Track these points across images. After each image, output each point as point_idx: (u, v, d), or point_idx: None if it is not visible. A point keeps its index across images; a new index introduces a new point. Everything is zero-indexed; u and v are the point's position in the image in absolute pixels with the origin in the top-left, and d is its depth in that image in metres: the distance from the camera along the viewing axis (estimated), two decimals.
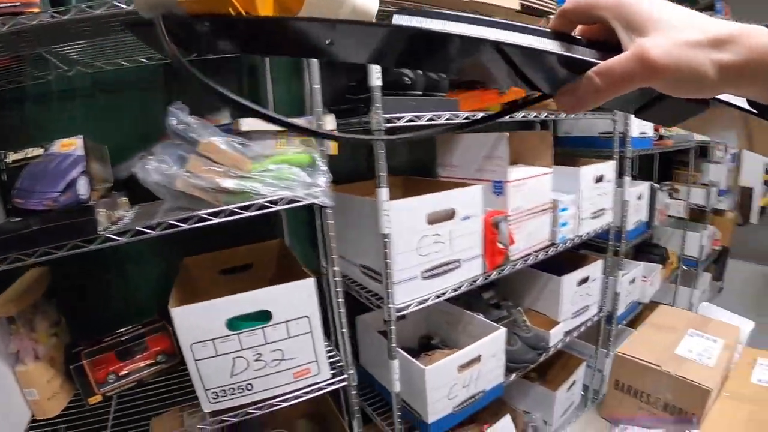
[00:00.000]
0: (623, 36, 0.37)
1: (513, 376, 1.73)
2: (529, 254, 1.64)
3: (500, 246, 1.49)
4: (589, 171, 1.83)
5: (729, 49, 0.34)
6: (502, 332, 1.53)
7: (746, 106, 0.39)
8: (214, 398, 1.12)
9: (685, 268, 3.36)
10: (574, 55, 0.38)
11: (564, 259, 2.03)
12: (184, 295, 1.10)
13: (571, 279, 1.88)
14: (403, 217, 1.28)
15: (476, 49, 0.38)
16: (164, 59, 1.25)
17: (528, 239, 1.63)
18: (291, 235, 1.61)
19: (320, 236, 1.54)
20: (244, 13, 0.38)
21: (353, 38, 0.39)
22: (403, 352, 1.43)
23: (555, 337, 1.85)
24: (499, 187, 1.52)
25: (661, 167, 3.61)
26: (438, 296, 1.40)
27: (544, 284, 1.92)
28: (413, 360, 1.40)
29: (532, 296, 2.00)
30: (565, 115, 1.73)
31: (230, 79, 1.51)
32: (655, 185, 2.49)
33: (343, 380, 1.28)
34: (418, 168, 1.89)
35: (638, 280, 2.47)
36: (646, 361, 1.14)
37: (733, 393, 1.14)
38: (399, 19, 0.39)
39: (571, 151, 2.31)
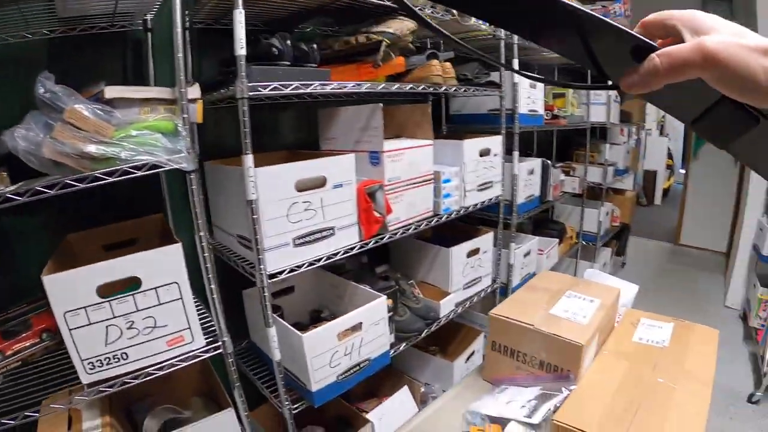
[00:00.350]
0: (688, 38, 0.41)
1: (403, 345, 1.77)
2: (411, 224, 1.68)
3: (376, 215, 1.52)
4: (473, 144, 1.89)
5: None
6: (382, 300, 1.56)
7: None
8: (90, 369, 1.11)
9: (584, 243, 3.53)
10: (644, 38, 0.42)
11: (459, 232, 2.12)
12: (61, 267, 1.07)
13: (459, 251, 1.95)
14: (270, 183, 1.29)
15: (570, 21, 0.42)
16: (47, 35, 1.27)
17: (409, 209, 1.67)
18: (175, 209, 1.59)
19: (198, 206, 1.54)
20: None
21: None
22: (280, 320, 1.44)
23: (445, 307, 1.91)
24: (375, 158, 1.55)
25: (563, 147, 3.79)
26: (311, 263, 1.41)
27: (435, 256, 1.98)
28: (291, 328, 1.41)
29: (425, 269, 2.05)
30: (453, 89, 1.77)
31: (116, 52, 1.49)
32: (547, 161, 2.61)
33: (217, 347, 1.29)
34: (308, 143, 1.90)
35: (533, 253, 2.58)
36: (520, 321, 1.17)
37: (613, 350, 1.21)
38: None
39: (463, 128, 2.39)
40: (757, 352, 2.98)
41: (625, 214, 4.18)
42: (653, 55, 0.41)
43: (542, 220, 3.27)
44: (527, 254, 2.51)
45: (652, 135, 7.78)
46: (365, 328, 1.52)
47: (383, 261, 2.20)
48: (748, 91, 0.39)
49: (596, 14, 0.41)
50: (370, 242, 1.54)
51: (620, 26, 0.42)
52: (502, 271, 2.35)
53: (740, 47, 0.38)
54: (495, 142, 2.04)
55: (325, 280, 1.82)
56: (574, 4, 0.41)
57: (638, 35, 0.42)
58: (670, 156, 7.74)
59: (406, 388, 1.99)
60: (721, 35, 0.39)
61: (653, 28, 0.45)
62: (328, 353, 1.43)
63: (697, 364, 1.15)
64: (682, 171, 5.51)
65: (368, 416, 1.81)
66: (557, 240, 2.96)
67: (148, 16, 1.42)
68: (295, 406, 1.47)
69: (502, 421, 1.02)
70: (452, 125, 2.52)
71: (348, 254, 1.49)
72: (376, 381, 2.19)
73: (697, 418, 0.98)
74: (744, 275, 3.67)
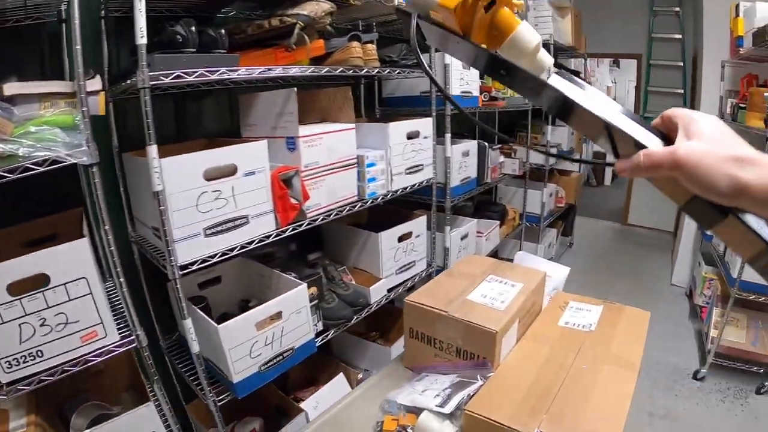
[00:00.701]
0: (679, 136, 0.50)
1: (331, 332, 1.77)
2: (332, 210, 1.68)
3: (293, 202, 1.51)
4: (399, 127, 1.89)
5: (748, 168, 0.44)
6: (302, 289, 1.56)
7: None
8: (8, 368, 1.10)
9: (527, 224, 3.59)
10: (638, 140, 0.53)
11: (396, 216, 2.13)
12: None
13: (389, 236, 1.96)
14: (176, 173, 1.27)
15: (589, 119, 0.57)
16: None
17: (330, 195, 1.66)
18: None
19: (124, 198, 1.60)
20: (461, 34, 0.62)
21: (519, 77, 0.61)
22: (198, 311, 1.44)
23: (376, 293, 1.92)
24: (292, 143, 1.54)
25: (509, 129, 3.83)
26: (225, 254, 1.40)
27: (365, 242, 1.99)
28: (207, 318, 1.40)
29: (356, 255, 2.06)
30: (376, 71, 1.77)
31: (34, 45, 1.45)
32: (484, 143, 2.62)
33: (132, 342, 1.28)
34: (231, 131, 1.87)
35: (472, 235, 2.61)
36: (435, 308, 1.16)
37: (536, 336, 1.21)
38: (552, 80, 0.60)
39: (396, 110, 2.39)
40: (701, 329, 3.10)
41: (570, 195, 4.27)
42: (639, 152, 0.51)
43: (484, 203, 3.31)
44: (465, 237, 2.54)
45: None
46: (286, 317, 1.51)
47: (318, 247, 2.19)
48: (710, 194, 0.47)
49: (616, 123, 0.55)
50: (287, 229, 1.53)
51: (626, 131, 0.54)
52: (438, 254, 2.38)
53: (710, 155, 0.46)
54: (424, 125, 2.04)
55: (252, 269, 1.81)
56: (606, 118, 0.55)
57: (636, 137, 0.54)
58: None
59: (341, 375, 2.00)
60: (699, 142, 0.48)
61: (668, 121, 0.54)
62: (248, 343, 1.42)
63: (624, 347, 1.16)
64: None
65: (304, 404, 1.84)
66: (498, 222, 2.98)
67: (63, 7, 1.37)
68: (220, 398, 1.47)
69: (417, 411, 1.02)
70: (386, 108, 2.51)
71: (264, 243, 1.48)
72: (316, 369, 2.21)
73: (620, 402, 0.98)
74: (690, 254, 3.81)
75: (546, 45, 3.20)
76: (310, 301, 1.66)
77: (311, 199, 1.58)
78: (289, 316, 1.53)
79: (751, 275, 2.50)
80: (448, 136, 2.23)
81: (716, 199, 0.47)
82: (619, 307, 1.35)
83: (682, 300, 3.71)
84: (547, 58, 0.60)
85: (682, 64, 4.87)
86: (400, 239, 2.02)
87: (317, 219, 1.62)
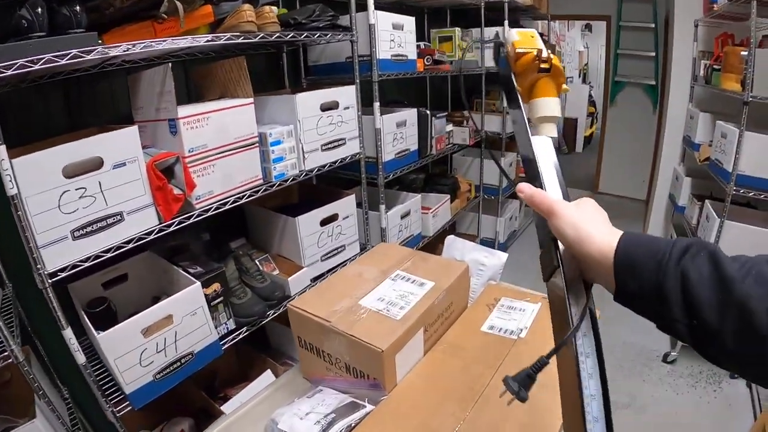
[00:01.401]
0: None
1: (244, 332, 1.66)
2: (230, 197, 1.54)
3: (176, 192, 1.36)
4: (310, 98, 1.74)
5: (577, 246, 0.58)
6: (196, 288, 1.44)
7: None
8: None
9: (485, 196, 3.46)
10: (544, 182, 0.68)
11: (328, 197, 1.98)
12: None
13: (309, 219, 1.83)
14: (31, 173, 1.13)
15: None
16: None
17: (227, 180, 1.53)
18: None
19: None
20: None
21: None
22: (85, 318, 1.37)
23: (297, 284, 1.80)
24: (173, 126, 1.39)
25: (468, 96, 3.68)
26: (99, 256, 1.26)
27: (284, 227, 1.84)
28: (89, 326, 1.32)
29: (278, 241, 1.92)
30: (275, 36, 1.60)
31: None
32: (425, 111, 2.46)
33: (7, 357, 1.19)
34: (128, 116, 1.68)
35: (416, 212, 2.47)
36: (317, 317, 1.01)
37: (452, 345, 1.05)
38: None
39: (323, 79, 2.23)
40: None
41: None
42: (538, 189, 0.65)
43: (435, 176, 3.15)
44: (406, 215, 2.40)
45: (573, 82, 7.77)
46: (178, 320, 1.41)
47: (244, 233, 2.05)
48: (562, 241, 0.60)
49: (542, 167, 0.69)
50: (172, 223, 1.40)
51: (542, 172, 0.69)
52: (374, 235, 2.25)
53: (573, 216, 0.59)
54: (344, 94, 1.89)
55: (158, 264, 1.66)
56: (539, 163, 0.70)
57: (544, 180, 0.68)
58: (592, 104, 7.77)
59: (268, 371, 1.90)
60: (574, 207, 0.61)
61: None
62: (135, 352, 1.32)
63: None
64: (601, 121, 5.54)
65: (229, 403, 1.78)
66: (448, 196, 2.84)
67: None
68: (119, 408, 1.37)
69: None
70: (313, 78, 2.34)
71: (145, 240, 1.35)
72: (247, 363, 2.12)
73: None
74: (661, 225, 3.75)
75: (500, 3, 3.04)
76: (212, 299, 1.55)
77: (200, 187, 1.44)
78: (182, 319, 1.42)
79: (728, 252, 2.37)
80: (377, 105, 2.08)
81: (564, 244, 0.60)
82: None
83: None
84: (549, 132, 0.75)
85: (653, 25, 4.71)
86: (324, 222, 1.90)
87: (210, 209, 1.48)
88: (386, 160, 2.20)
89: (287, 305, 1.07)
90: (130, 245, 1.32)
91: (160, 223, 1.37)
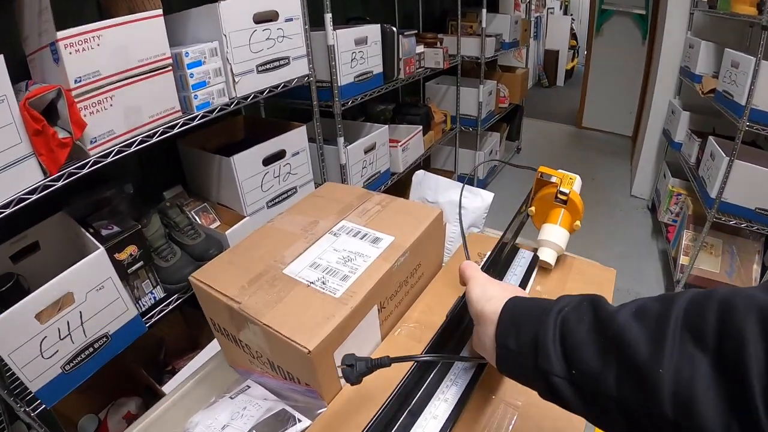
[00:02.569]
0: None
1: (173, 300, 1.37)
2: (137, 137, 1.21)
3: (62, 136, 1.04)
4: (238, 6, 1.37)
5: (477, 305, 0.57)
6: (98, 256, 1.14)
7: None
8: None
9: (463, 128, 3.12)
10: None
11: (277, 133, 1.64)
12: None
13: (248, 158, 1.52)
14: None
15: None
16: None
17: (132, 116, 1.20)
18: None
19: None
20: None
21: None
22: None
23: (237, 237, 1.50)
24: (55, 51, 1.05)
25: (440, 18, 3.27)
26: None
27: (220, 170, 1.51)
28: None
29: (216, 187, 1.62)
30: None
31: None
32: (390, 28, 2.09)
33: None
34: None
35: (382, 146, 2.14)
36: (223, 294, 0.70)
37: (420, 325, 0.78)
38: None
39: None
40: (667, 251, 2.77)
41: (515, 94, 3.77)
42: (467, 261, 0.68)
43: (406, 105, 2.79)
44: (371, 149, 2.07)
45: (555, 13, 7.32)
46: (81, 297, 1.11)
47: (173, 182, 1.71)
48: (468, 299, 0.60)
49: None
50: (62, 176, 1.07)
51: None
52: (333, 175, 1.92)
53: (488, 279, 0.61)
54: (285, 2, 1.52)
55: (71, 228, 1.35)
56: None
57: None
58: (574, 37, 7.36)
59: (214, 341, 1.57)
60: (486, 278, 0.62)
61: None
62: (33, 342, 1.05)
63: None
64: (586, 53, 5.16)
65: (175, 378, 1.59)
66: (420, 127, 2.49)
67: None
68: (32, 406, 1.12)
69: None
70: None
71: (28, 201, 1.03)
72: (197, 329, 1.88)
73: None
74: (653, 163, 3.46)
75: None
76: (129, 265, 1.25)
77: (94, 127, 1.11)
78: (86, 296, 1.12)
79: (734, 196, 2.13)
80: (329, 17, 1.70)
81: (469, 303, 0.59)
82: (569, 260, 0.94)
83: (643, 214, 3.38)
84: (545, 256, 0.89)
85: None
86: (268, 161, 1.57)
87: (110, 153, 1.15)
88: (343, 84, 1.85)
89: (189, 277, 0.75)
90: (9, 210, 1.00)
91: (46, 178, 1.05)
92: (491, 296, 0.56)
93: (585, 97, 5.03)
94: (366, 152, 2.06)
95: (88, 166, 1.10)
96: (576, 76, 7.15)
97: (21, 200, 1.01)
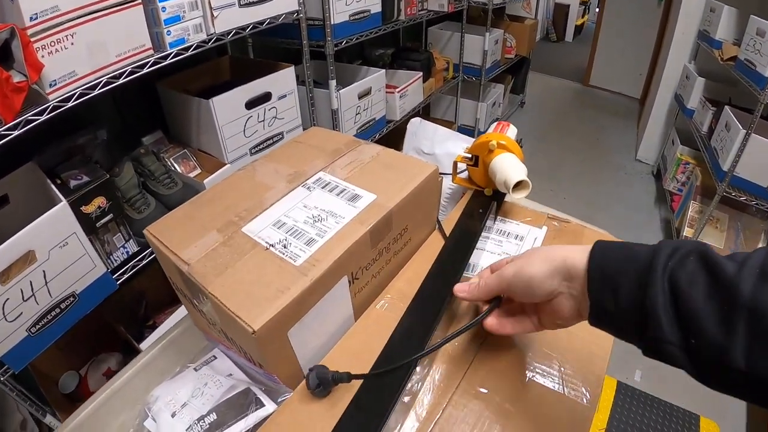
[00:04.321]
0: None
1: (148, 254, 1.28)
2: (102, 78, 1.07)
3: (17, 80, 0.92)
4: None
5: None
6: (60, 209, 1.04)
7: None
8: None
9: (465, 77, 2.95)
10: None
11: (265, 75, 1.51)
12: None
13: (230, 100, 1.40)
14: None
15: None
16: None
17: (96, 55, 1.06)
18: None
19: None
20: None
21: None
22: None
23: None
24: None
25: None
26: None
27: (198, 113, 1.39)
28: None
29: (196, 131, 1.51)
30: None
31: None
32: None
33: None
34: None
35: (378, 91, 1.99)
36: (175, 253, 0.61)
37: (404, 297, 0.67)
38: None
39: None
40: (671, 220, 2.67)
41: (523, 46, 3.56)
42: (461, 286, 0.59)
43: (406, 50, 2.62)
44: (365, 95, 1.94)
45: None
46: (43, 255, 1.02)
47: (152, 126, 1.59)
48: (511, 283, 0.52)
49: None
50: (19, 124, 0.95)
51: None
52: (324, 121, 1.79)
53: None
54: None
55: (39, 180, 1.23)
56: None
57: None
58: None
59: None
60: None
61: None
62: None
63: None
64: (598, 10, 4.89)
65: (152, 336, 1.53)
66: (420, 74, 2.34)
67: None
68: (1, 370, 1.05)
69: None
70: None
71: None
72: None
73: None
74: (661, 128, 3.31)
75: None
76: (98, 218, 1.16)
77: (54, 68, 0.99)
78: (48, 253, 1.03)
79: (747, 171, 2.01)
80: None
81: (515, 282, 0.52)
82: (574, 227, 0.84)
83: (647, 180, 3.25)
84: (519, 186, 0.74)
85: None
86: (251, 105, 1.45)
87: (72, 97, 1.02)
88: (336, 23, 1.69)
89: (144, 231, 0.65)
90: None
91: (1, 126, 0.93)
92: (559, 252, 0.47)
93: (594, 55, 4.82)
94: (360, 97, 1.92)
95: (47, 111, 0.98)
96: (586, 32, 6.87)
97: None
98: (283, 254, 0.57)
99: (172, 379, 0.70)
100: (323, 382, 0.53)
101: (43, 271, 1.03)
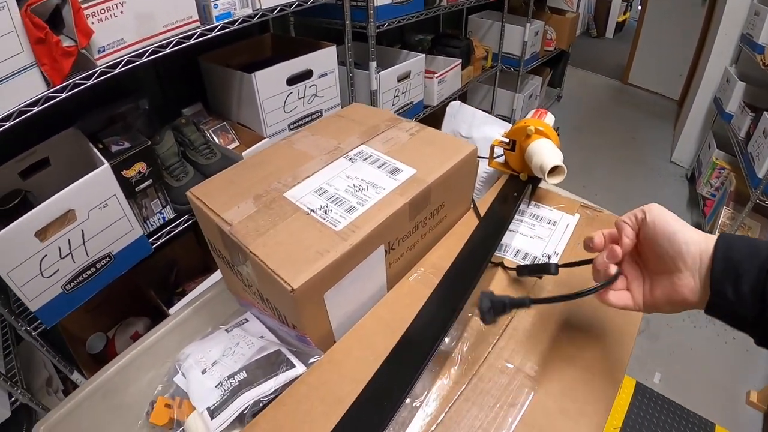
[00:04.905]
0: None
1: (184, 221, 1.31)
2: (149, 47, 1.09)
3: (67, 45, 0.95)
4: None
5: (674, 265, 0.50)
6: (102, 172, 1.06)
7: None
8: None
9: (504, 67, 2.91)
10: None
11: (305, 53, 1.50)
12: None
13: (272, 75, 1.40)
14: None
15: None
16: None
17: (145, 24, 1.07)
18: None
19: None
20: None
21: None
22: None
23: None
24: None
25: None
26: None
27: (240, 86, 1.43)
28: None
29: (236, 105, 1.52)
30: None
31: None
32: None
33: None
34: None
35: (417, 75, 1.99)
36: (217, 214, 0.64)
37: (437, 270, 0.69)
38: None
39: None
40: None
41: (563, 39, 3.50)
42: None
43: (445, 36, 2.60)
44: (404, 78, 1.94)
45: None
46: (83, 215, 1.05)
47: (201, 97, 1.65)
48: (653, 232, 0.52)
49: None
50: (66, 86, 0.98)
51: None
52: (362, 100, 1.83)
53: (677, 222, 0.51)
54: None
55: (81, 144, 1.27)
56: None
57: None
58: None
59: None
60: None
61: None
62: (33, 260, 0.99)
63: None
64: (641, 7, 4.76)
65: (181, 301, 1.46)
66: (459, 60, 2.32)
67: None
68: (34, 325, 1.09)
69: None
70: None
71: (30, 113, 0.94)
72: (209, 255, 1.75)
73: None
74: (698, 131, 3.23)
75: None
76: (137, 183, 1.18)
77: (103, 35, 1.00)
78: (89, 213, 1.06)
79: None
80: None
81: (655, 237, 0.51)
82: (607, 217, 0.85)
83: (680, 183, 3.17)
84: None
85: None
86: (292, 81, 1.45)
87: (119, 63, 1.04)
88: (380, 5, 1.69)
89: (187, 192, 0.66)
90: (10, 123, 0.92)
91: (49, 89, 0.96)
92: (690, 234, 0.48)
93: (634, 53, 4.68)
94: (399, 80, 1.92)
95: (94, 76, 1.00)
96: (626, 30, 6.69)
97: (22, 113, 0.93)
98: (324, 219, 0.58)
99: (204, 338, 0.72)
100: (496, 307, 0.55)
101: (82, 231, 1.05)
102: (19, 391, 1.09)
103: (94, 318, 1.58)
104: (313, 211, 0.60)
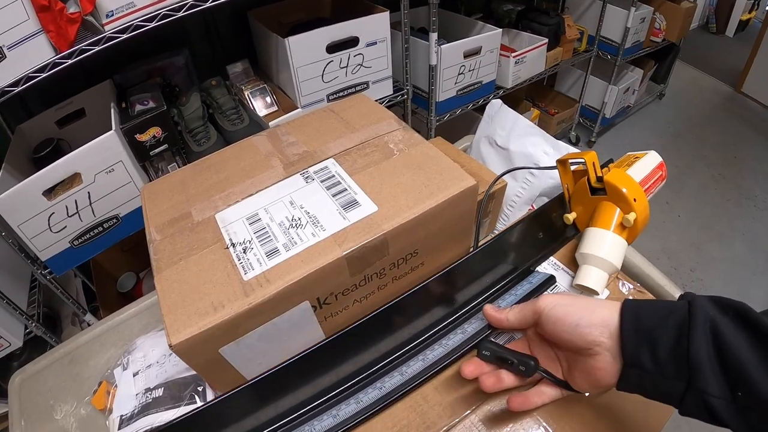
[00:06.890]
0: None
1: None
2: (160, 11, 1.02)
3: (71, 11, 0.93)
4: None
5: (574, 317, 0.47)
6: (110, 137, 1.06)
7: None
8: None
9: (601, 53, 2.62)
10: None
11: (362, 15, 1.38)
12: None
13: (309, 41, 1.27)
14: None
15: None
16: None
17: None
18: None
19: None
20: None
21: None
22: None
23: None
24: None
25: None
26: None
27: (277, 51, 1.33)
28: None
29: (276, 68, 1.44)
30: None
31: None
32: None
33: None
34: None
35: (490, 52, 1.78)
36: (150, 220, 0.59)
37: None
38: None
39: None
40: None
41: (674, 30, 2.99)
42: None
43: (536, 10, 2.33)
44: (473, 54, 1.74)
45: None
46: (89, 178, 1.06)
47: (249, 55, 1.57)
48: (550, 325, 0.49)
49: None
50: (73, 53, 0.96)
51: None
52: (419, 74, 1.67)
53: (565, 294, 0.55)
54: None
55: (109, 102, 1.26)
56: None
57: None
58: None
59: None
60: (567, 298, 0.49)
61: None
62: (41, 216, 1.04)
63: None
64: None
65: None
66: (545, 40, 2.07)
67: None
68: (47, 270, 1.16)
69: None
70: None
71: (38, 78, 0.94)
72: None
73: None
74: None
75: None
76: (150, 148, 1.16)
77: None
78: (95, 177, 1.07)
79: None
80: None
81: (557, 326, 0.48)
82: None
83: None
84: (592, 282, 0.62)
85: None
86: (333, 49, 1.32)
87: (128, 28, 0.99)
88: None
89: (142, 186, 0.60)
90: (18, 88, 0.93)
91: (56, 55, 0.95)
92: (595, 317, 0.45)
93: (754, 59, 3.96)
94: (466, 56, 1.71)
95: (101, 42, 0.97)
96: (750, 30, 5.88)
97: (29, 78, 0.94)
98: (239, 261, 0.49)
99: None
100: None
101: (88, 193, 1.07)
102: (33, 324, 1.18)
103: (128, 258, 1.64)
104: (233, 245, 0.51)
